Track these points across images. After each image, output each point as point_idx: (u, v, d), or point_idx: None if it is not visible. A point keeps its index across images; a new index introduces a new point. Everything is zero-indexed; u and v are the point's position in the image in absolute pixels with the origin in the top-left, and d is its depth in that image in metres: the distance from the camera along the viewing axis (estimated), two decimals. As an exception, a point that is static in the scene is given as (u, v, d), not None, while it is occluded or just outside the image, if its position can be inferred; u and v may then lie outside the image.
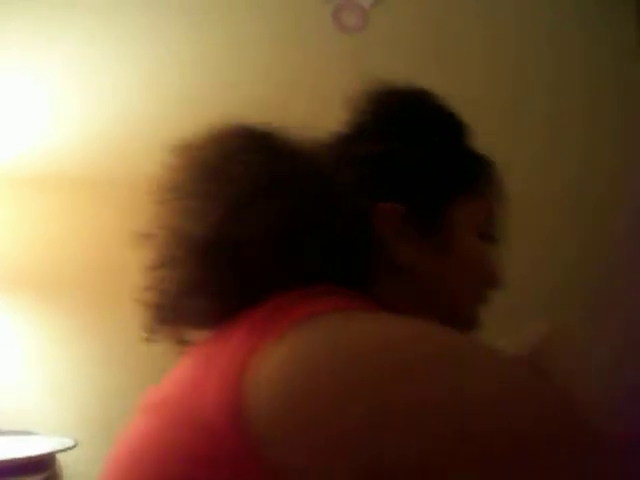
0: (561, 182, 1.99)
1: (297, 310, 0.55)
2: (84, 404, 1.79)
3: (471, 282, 0.77)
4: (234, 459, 0.48)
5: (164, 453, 0.53)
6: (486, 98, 2.22)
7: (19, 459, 1.42)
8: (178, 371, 0.61)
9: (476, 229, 0.77)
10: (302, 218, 0.63)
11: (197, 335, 0.65)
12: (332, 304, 0.57)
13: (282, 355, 0.51)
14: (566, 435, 0.49)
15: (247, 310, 0.58)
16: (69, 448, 1.55)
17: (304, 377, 0.50)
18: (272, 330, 0.53)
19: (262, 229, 0.61)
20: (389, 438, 0.47)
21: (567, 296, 1.85)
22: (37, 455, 1.47)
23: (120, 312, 1.12)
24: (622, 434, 0.56)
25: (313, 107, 1.88)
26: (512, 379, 0.53)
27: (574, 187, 1.98)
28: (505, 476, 0.47)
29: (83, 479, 1.56)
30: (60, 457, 1.57)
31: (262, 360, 0.51)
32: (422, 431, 0.47)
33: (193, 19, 1.92)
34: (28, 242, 1.76)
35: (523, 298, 1.57)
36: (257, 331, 0.54)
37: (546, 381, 0.60)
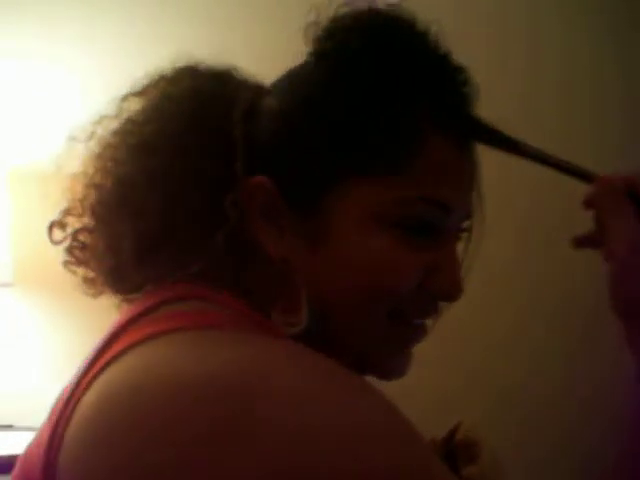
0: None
1: (134, 332, 0.50)
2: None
3: (355, 290, 0.56)
4: None
5: None
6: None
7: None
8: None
9: (393, 222, 0.56)
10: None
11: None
12: (171, 324, 0.50)
13: (88, 402, 0.48)
14: None
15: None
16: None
17: (92, 428, 0.47)
18: (96, 363, 0.50)
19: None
20: None
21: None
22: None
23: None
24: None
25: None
26: (357, 420, 0.45)
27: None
28: None
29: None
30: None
31: (79, 405, 0.48)
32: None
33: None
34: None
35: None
36: (91, 362, 0.50)
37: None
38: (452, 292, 0.58)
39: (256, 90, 0.62)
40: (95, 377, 0.48)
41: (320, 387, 0.46)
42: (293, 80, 0.61)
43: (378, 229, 0.55)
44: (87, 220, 0.60)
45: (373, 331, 0.58)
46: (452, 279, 0.58)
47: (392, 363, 0.61)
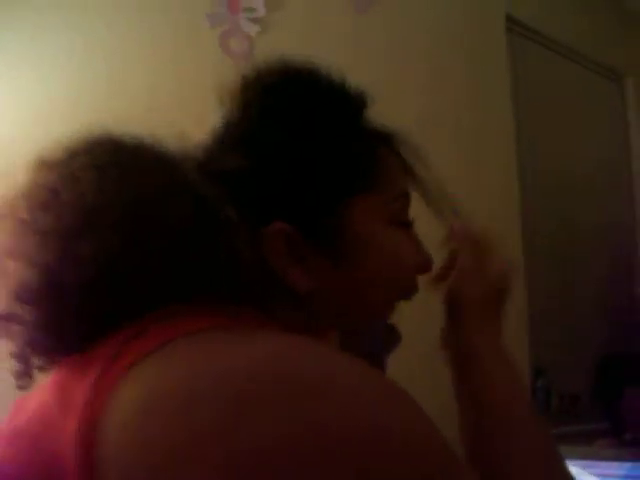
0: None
1: (147, 340, 0.50)
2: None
3: (392, 280, 0.66)
4: None
5: None
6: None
7: None
8: (31, 401, 0.56)
9: (386, 222, 0.66)
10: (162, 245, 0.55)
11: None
12: (187, 326, 0.51)
13: (128, 398, 0.47)
14: None
15: (107, 336, 0.53)
16: None
17: (142, 424, 0.45)
18: (122, 365, 0.49)
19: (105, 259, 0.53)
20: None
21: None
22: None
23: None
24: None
25: (201, 127, 1.97)
26: (378, 421, 0.47)
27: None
28: None
29: None
30: None
31: (114, 400, 0.47)
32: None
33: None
34: None
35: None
36: (110, 365, 0.50)
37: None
38: (429, 266, 0.72)
39: (191, 156, 0.65)
40: (129, 368, 0.48)
41: (372, 389, 0.49)
42: (248, 136, 0.64)
43: (389, 230, 0.66)
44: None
45: (404, 295, 0.70)
46: (426, 256, 0.72)
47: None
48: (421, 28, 2.46)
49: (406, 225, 0.69)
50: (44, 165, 0.59)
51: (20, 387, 0.59)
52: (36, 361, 0.59)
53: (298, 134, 0.63)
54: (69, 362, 0.56)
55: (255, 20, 2.05)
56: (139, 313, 0.54)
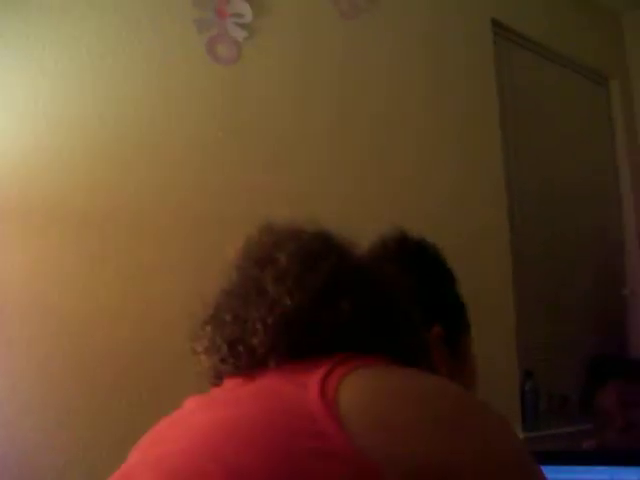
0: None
1: (359, 360, 0.68)
2: None
3: (473, 377, 0.99)
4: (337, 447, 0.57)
5: (269, 429, 0.60)
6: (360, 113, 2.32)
7: None
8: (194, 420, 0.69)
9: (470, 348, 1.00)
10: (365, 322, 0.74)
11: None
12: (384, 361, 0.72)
13: (360, 386, 0.64)
14: None
15: (314, 359, 0.68)
16: None
17: (384, 402, 0.62)
18: (342, 371, 0.65)
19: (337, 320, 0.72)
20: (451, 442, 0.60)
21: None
22: None
23: None
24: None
25: (187, 132, 1.96)
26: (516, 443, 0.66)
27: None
28: None
29: None
30: None
31: (347, 386, 0.63)
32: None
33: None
34: None
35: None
36: (334, 368, 0.65)
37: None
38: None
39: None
40: (349, 372, 0.64)
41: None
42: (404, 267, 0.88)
43: (471, 352, 0.99)
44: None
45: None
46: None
47: None
48: (408, 33, 2.48)
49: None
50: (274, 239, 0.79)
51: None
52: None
53: (443, 276, 1.01)
54: (261, 377, 0.70)
55: (242, 26, 2.06)
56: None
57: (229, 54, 2.04)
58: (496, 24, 2.84)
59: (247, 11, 2.07)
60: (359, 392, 0.63)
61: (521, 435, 2.52)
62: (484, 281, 2.45)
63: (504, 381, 2.54)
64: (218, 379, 0.75)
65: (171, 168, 1.89)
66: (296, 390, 0.64)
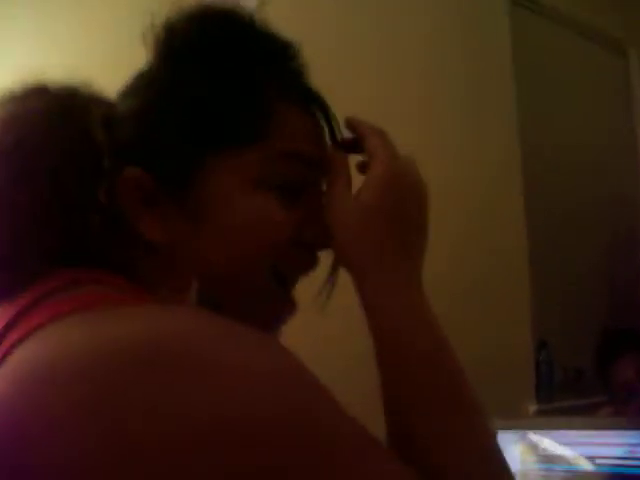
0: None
1: (37, 314, 0.50)
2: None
3: (240, 252, 0.60)
4: None
5: None
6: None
7: None
8: None
9: (253, 184, 0.60)
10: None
11: None
12: (77, 302, 0.51)
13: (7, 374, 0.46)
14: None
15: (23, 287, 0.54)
16: None
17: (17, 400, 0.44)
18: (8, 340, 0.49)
19: None
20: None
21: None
22: None
23: None
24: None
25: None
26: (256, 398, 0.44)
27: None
28: None
29: None
30: None
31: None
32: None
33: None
34: None
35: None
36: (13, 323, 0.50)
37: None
38: (324, 238, 0.62)
39: (107, 102, 0.64)
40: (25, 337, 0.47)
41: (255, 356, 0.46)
42: (141, 80, 0.64)
43: (252, 193, 0.60)
44: None
45: (258, 292, 0.62)
46: (322, 227, 0.62)
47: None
48: (417, 5, 2.42)
49: (288, 190, 0.62)
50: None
51: None
52: None
53: (184, 77, 0.61)
54: None
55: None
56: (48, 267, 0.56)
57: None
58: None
59: (251, 1, 2.02)
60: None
61: (534, 407, 2.51)
62: (498, 250, 2.42)
63: (518, 350, 2.53)
64: None
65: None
66: None
